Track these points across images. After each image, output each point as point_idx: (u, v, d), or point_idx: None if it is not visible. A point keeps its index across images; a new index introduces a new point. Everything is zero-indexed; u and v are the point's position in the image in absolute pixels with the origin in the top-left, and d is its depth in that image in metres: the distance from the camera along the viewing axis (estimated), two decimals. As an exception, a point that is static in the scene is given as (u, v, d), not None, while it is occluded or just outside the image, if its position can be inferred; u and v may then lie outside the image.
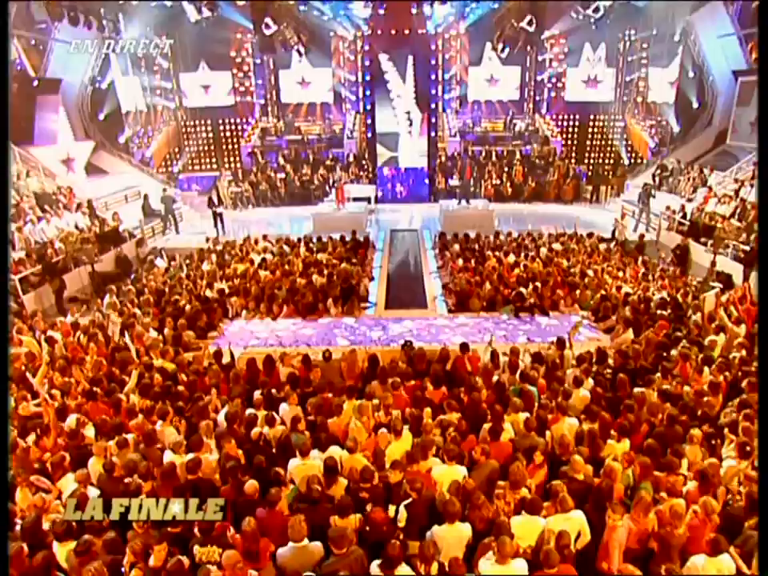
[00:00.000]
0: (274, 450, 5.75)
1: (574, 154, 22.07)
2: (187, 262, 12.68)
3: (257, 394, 6.64)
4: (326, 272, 11.58)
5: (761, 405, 4.71)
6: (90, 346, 8.11)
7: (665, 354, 7.81)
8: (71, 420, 6.22)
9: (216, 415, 6.40)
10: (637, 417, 6.18)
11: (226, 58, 22.66)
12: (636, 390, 6.78)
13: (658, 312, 9.32)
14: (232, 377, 7.34)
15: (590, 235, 14.04)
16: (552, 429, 6.09)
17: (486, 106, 24.21)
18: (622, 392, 6.83)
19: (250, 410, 6.42)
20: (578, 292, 10.80)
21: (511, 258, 12.45)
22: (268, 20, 19.64)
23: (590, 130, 23.38)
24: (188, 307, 9.92)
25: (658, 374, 7.11)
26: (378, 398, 6.55)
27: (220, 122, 23.55)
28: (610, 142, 22.63)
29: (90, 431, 6.19)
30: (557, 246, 13.32)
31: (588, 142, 22.72)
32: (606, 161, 20.55)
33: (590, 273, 11.47)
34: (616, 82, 23.50)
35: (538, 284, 10.82)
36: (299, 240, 14.17)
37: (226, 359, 8.07)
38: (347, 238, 14.14)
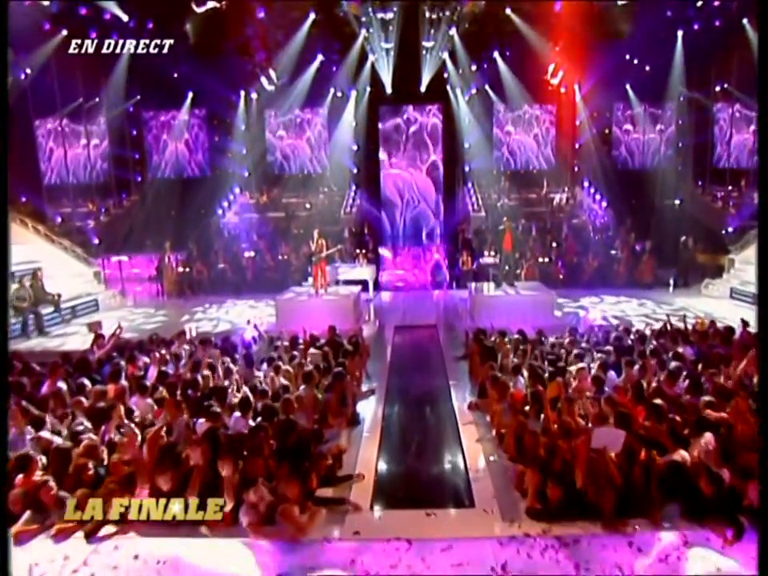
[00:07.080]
0: None
1: (636, 229, 16.62)
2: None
3: None
4: (266, 409, 5.83)
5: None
6: None
7: None
8: None
9: None
10: None
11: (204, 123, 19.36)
12: None
13: None
14: None
15: (730, 330, 8.32)
16: None
17: (514, 177, 19.90)
18: None
19: None
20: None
21: (613, 374, 6.76)
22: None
23: (653, 198, 18.42)
24: None
25: None
26: None
27: (191, 194, 19.03)
28: (685, 213, 17.29)
29: None
30: (683, 350, 7.56)
31: (653, 216, 17.44)
32: (687, 235, 15.06)
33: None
34: (675, 145, 19.17)
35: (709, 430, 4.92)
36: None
37: None
38: (322, 340, 8.54)
